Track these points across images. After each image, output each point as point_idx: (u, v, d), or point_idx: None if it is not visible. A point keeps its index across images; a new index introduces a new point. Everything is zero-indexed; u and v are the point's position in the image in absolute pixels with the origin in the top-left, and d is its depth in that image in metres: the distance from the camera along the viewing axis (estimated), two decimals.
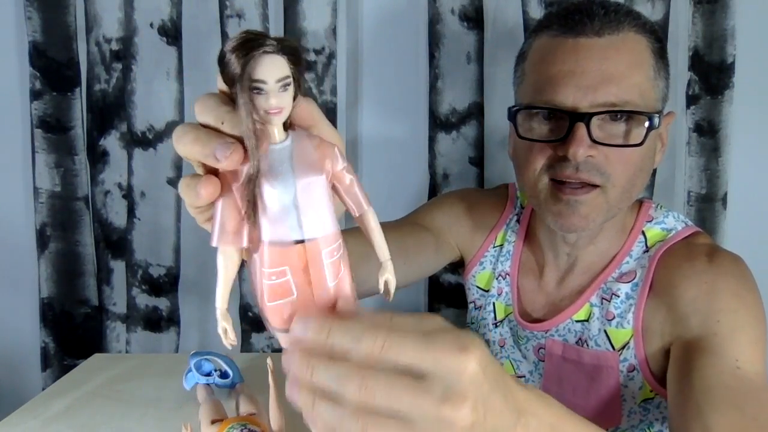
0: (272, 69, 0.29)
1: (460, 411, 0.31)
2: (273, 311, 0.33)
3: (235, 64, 0.29)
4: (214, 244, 0.32)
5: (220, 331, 0.34)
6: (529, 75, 0.68)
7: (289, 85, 0.30)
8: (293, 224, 0.32)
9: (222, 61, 0.30)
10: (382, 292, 0.36)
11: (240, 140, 0.30)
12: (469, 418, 0.31)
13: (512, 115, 0.68)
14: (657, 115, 0.63)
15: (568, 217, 0.65)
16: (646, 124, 0.62)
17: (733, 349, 0.59)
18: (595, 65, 0.62)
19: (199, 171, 0.33)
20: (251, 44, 0.29)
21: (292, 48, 0.30)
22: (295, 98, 0.32)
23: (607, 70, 0.62)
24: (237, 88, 0.29)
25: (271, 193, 0.31)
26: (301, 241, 0.32)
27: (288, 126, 0.33)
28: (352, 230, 0.37)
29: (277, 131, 0.32)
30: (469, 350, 0.32)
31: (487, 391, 0.33)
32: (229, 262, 0.33)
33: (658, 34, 0.67)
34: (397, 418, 0.31)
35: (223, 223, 0.32)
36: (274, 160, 0.31)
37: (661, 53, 0.66)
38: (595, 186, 0.64)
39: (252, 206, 0.31)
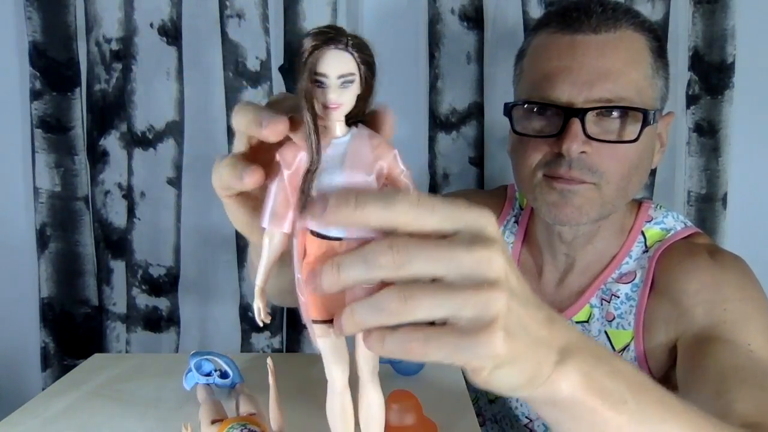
0: (335, 64, 0.29)
1: (491, 250, 0.29)
2: (303, 303, 0.33)
3: (303, 55, 0.29)
4: (263, 225, 0.33)
5: (255, 308, 0.35)
6: (527, 72, 0.69)
7: (352, 82, 0.30)
8: None
9: (298, 52, 0.30)
10: None
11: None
12: (501, 258, 0.30)
13: (508, 111, 0.68)
14: (652, 111, 0.63)
15: (562, 208, 0.65)
16: (641, 120, 0.62)
17: (745, 336, 0.58)
18: (592, 61, 0.62)
19: (241, 147, 0.34)
20: (323, 37, 0.29)
21: (362, 45, 0.30)
22: (366, 98, 0.31)
23: (604, 67, 0.62)
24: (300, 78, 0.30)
25: (316, 187, 0.31)
26: (339, 239, 0.31)
27: (353, 123, 0.32)
28: None
29: (338, 126, 0.32)
30: (484, 209, 0.31)
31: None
32: (272, 245, 0.34)
33: (656, 33, 0.67)
34: (435, 285, 0.29)
35: (274, 207, 0.33)
36: (328, 154, 0.31)
37: (660, 52, 0.66)
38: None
39: (306, 198, 0.31)
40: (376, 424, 0.37)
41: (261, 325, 0.35)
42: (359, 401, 0.37)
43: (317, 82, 0.30)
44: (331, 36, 0.29)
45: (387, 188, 0.33)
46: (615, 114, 0.63)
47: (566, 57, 0.63)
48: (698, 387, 0.57)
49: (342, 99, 0.30)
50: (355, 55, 0.30)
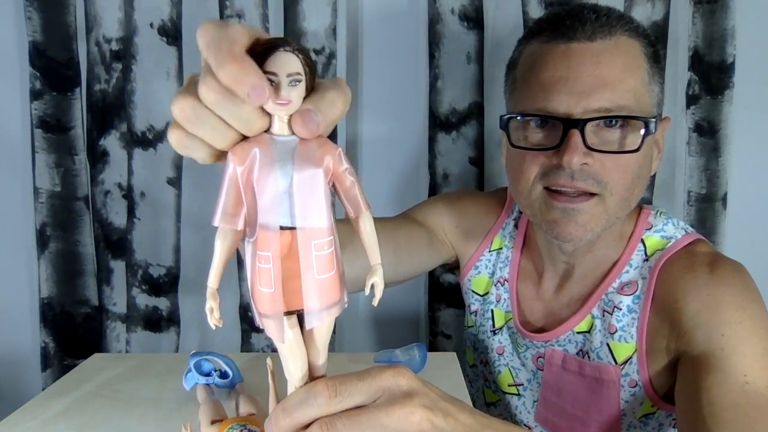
0: (284, 63, 0.31)
1: (410, 405, 0.35)
2: (261, 295, 0.34)
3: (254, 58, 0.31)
4: (215, 223, 0.34)
5: (207, 309, 0.35)
6: (521, 82, 0.67)
7: (299, 82, 0.32)
8: (284, 211, 0.33)
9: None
10: (367, 293, 0.37)
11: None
12: (420, 410, 0.35)
13: (504, 124, 0.67)
14: (653, 119, 0.62)
15: (565, 226, 0.63)
16: (642, 129, 0.61)
17: (741, 364, 0.57)
18: (589, 70, 0.60)
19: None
20: (272, 42, 0.32)
21: (305, 51, 0.33)
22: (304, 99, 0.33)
23: (601, 75, 0.60)
24: None
25: (268, 179, 0.32)
26: (291, 229, 0.33)
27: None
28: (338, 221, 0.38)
29: (284, 126, 0.33)
30: (399, 368, 0.36)
31: (431, 389, 0.37)
32: (226, 244, 0.35)
33: (651, 39, 0.65)
34: None
35: (225, 205, 0.34)
36: (277, 148, 0.33)
37: (655, 58, 0.65)
38: (592, 194, 0.62)
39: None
40: None
41: (214, 328, 0.35)
42: None
43: (268, 81, 0.31)
44: (279, 41, 0.32)
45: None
46: (615, 124, 0.61)
47: (562, 66, 0.61)
48: (692, 421, 0.57)
49: (291, 96, 0.32)
50: (301, 57, 0.32)
